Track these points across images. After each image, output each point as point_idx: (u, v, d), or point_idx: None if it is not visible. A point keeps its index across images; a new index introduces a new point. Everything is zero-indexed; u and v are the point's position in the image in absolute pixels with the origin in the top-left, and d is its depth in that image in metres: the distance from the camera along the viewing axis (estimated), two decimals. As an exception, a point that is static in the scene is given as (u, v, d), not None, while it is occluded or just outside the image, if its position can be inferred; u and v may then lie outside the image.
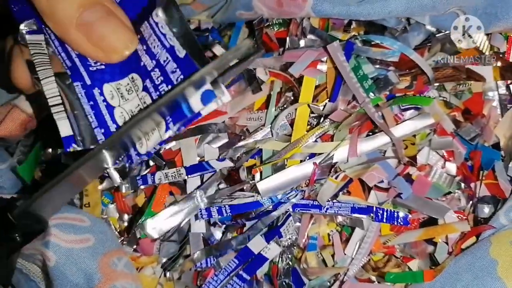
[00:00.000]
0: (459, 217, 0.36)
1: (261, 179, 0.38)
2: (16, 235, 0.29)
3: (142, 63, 0.30)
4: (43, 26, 0.31)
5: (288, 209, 0.38)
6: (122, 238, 0.40)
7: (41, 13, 0.29)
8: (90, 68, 0.30)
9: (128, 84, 0.30)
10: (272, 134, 0.39)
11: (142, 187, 0.38)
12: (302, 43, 0.40)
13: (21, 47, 0.32)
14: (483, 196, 0.37)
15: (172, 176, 0.37)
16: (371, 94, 0.37)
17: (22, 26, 0.31)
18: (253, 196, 0.37)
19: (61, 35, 0.29)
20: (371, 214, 0.36)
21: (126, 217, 0.41)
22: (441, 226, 0.36)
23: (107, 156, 0.28)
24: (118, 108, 0.30)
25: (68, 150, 0.28)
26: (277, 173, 0.37)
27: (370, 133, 0.38)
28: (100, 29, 0.28)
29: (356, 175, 0.37)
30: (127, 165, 0.29)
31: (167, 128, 0.28)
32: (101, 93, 0.30)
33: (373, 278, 0.37)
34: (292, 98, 0.40)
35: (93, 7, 0.28)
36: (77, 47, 0.29)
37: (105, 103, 0.30)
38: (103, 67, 0.30)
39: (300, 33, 0.40)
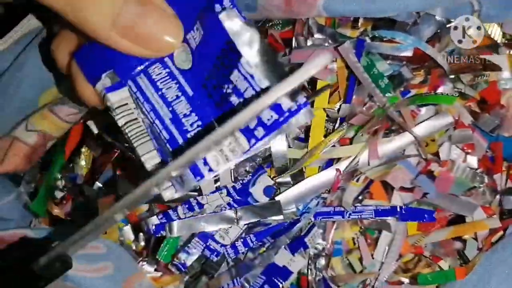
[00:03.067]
0: (486, 213, 0.36)
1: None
2: (40, 284, 0.28)
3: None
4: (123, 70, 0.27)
5: (311, 218, 0.37)
6: (141, 258, 0.39)
7: (73, 25, 0.26)
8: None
9: None
10: (287, 142, 0.37)
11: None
12: (309, 42, 0.39)
13: None
14: (508, 188, 0.37)
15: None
16: (388, 93, 0.36)
17: (99, 85, 0.27)
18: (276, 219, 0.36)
19: (104, 43, 0.26)
20: (396, 216, 0.36)
21: (142, 236, 0.39)
22: (471, 223, 0.35)
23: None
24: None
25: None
26: (298, 184, 0.36)
27: (387, 132, 0.37)
28: (141, 28, 0.26)
29: (377, 176, 0.37)
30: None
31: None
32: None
33: (404, 280, 0.36)
34: None
35: (125, 3, 0.25)
36: (124, 52, 0.27)
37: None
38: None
39: (307, 32, 0.39)
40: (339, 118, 0.37)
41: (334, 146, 0.37)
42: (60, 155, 0.42)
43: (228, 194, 0.37)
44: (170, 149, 0.26)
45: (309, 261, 0.37)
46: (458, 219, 0.36)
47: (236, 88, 0.25)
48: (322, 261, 0.37)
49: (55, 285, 0.32)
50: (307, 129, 0.38)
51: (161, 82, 0.27)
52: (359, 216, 0.36)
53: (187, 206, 0.37)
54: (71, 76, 0.29)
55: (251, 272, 0.37)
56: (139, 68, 0.27)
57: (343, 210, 0.36)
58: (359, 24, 0.39)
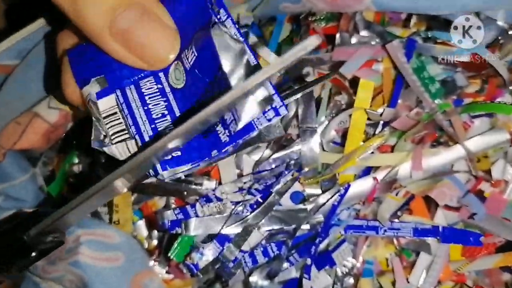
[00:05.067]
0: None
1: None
2: (32, 255, 0.27)
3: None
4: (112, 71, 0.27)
5: (340, 231, 0.34)
6: (152, 258, 0.36)
7: (72, 21, 0.26)
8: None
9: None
10: (322, 145, 0.35)
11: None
12: (354, 40, 0.36)
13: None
14: None
15: (216, 208, 0.34)
16: (438, 99, 0.33)
17: (87, 88, 0.27)
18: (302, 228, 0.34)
19: (98, 44, 0.26)
20: (438, 237, 0.33)
21: (156, 233, 0.37)
22: (524, 252, 0.31)
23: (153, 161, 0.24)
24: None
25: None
26: (329, 191, 0.34)
27: (434, 143, 0.34)
28: (137, 35, 0.25)
29: (420, 191, 0.34)
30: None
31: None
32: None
33: (441, 310, 0.33)
34: (342, 103, 0.36)
35: (126, 9, 0.25)
36: (117, 58, 0.26)
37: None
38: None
39: (352, 28, 0.36)
40: (381, 122, 0.35)
41: (373, 152, 0.34)
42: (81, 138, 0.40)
43: (250, 193, 0.35)
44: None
45: (335, 280, 0.34)
46: (508, 247, 0.33)
47: (222, 119, 0.24)
48: (349, 281, 0.35)
49: (63, 268, 0.32)
50: (344, 132, 0.35)
51: (149, 98, 0.27)
52: (396, 234, 0.33)
53: (204, 199, 0.35)
54: (60, 69, 0.28)
55: (268, 286, 0.34)
56: (131, 78, 0.27)
57: (378, 225, 0.34)
58: (412, 23, 0.36)
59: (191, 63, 0.25)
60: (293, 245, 0.34)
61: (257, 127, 0.24)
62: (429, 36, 0.35)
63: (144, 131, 0.26)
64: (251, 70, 0.24)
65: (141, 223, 0.37)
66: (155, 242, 0.37)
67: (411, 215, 0.34)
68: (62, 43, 0.30)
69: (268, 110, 0.24)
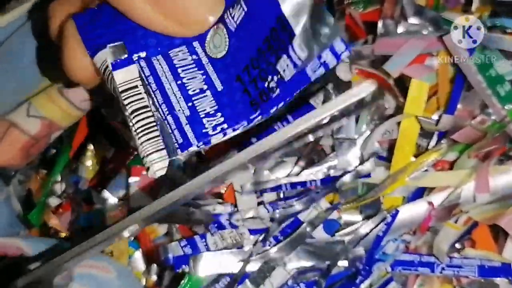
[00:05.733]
0: None
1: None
2: None
3: None
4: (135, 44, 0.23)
5: (386, 268, 0.29)
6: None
7: None
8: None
9: None
10: (361, 159, 0.29)
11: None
12: (401, 28, 0.31)
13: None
14: None
15: (232, 239, 0.28)
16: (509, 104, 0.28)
17: (101, 55, 0.23)
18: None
19: (119, 6, 0.23)
20: (510, 277, 0.28)
21: (155, 268, 0.31)
22: None
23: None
24: None
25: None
26: (372, 219, 0.29)
27: (502, 158, 0.29)
28: None
29: (485, 218, 0.29)
30: None
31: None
32: None
33: None
34: (387, 107, 0.30)
35: None
36: (144, 22, 0.23)
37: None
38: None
39: (399, 14, 0.31)
40: (436, 133, 0.29)
41: (426, 170, 0.30)
42: (65, 151, 0.35)
43: (272, 220, 0.29)
44: (181, 156, 0.24)
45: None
46: None
47: (282, 81, 0.20)
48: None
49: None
50: (390, 144, 0.30)
51: (183, 70, 0.23)
52: (456, 272, 0.29)
53: (215, 225, 0.29)
54: (62, 41, 0.24)
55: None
56: (158, 48, 0.24)
57: (433, 261, 0.29)
58: (473, 8, 0.31)
59: (238, 21, 0.22)
60: (327, 285, 0.29)
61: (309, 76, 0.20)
62: (496, 24, 0.30)
63: (179, 110, 0.22)
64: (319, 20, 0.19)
65: (138, 255, 0.31)
66: (154, 277, 0.31)
67: (474, 248, 0.29)
68: (58, 14, 0.26)
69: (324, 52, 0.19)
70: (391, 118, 0.29)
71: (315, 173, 0.30)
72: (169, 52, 0.24)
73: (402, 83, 0.30)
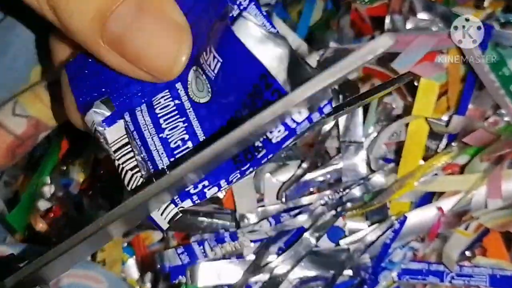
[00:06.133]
0: None
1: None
2: None
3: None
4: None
5: (393, 277, 0.28)
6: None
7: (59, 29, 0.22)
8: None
9: None
10: (368, 162, 0.28)
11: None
12: (409, 24, 0.30)
13: None
14: None
15: (231, 248, 0.27)
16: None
17: (90, 115, 0.22)
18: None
19: (91, 53, 0.22)
20: None
21: (149, 276, 0.30)
22: None
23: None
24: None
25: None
26: (378, 225, 0.27)
27: None
28: (134, 38, 0.20)
29: (497, 225, 0.28)
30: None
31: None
32: None
33: None
34: (394, 107, 0.29)
35: (118, 6, 0.20)
36: (118, 71, 0.22)
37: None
38: None
39: (407, 9, 0.30)
40: (446, 135, 0.28)
41: (436, 174, 0.28)
42: (54, 152, 0.33)
43: (276, 221, 0.28)
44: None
45: None
46: None
47: (269, 141, 0.18)
48: None
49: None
50: (398, 147, 0.29)
51: (165, 120, 0.22)
52: (467, 282, 0.28)
53: (215, 239, 0.28)
54: (61, 86, 0.24)
55: None
56: (142, 96, 0.22)
57: (443, 270, 0.28)
58: (486, 3, 0.30)
59: (215, 71, 0.20)
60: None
61: (295, 130, 0.18)
62: (510, 19, 0.29)
63: (162, 168, 0.21)
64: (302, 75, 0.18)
65: (132, 262, 0.30)
66: (148, 286, 0.30)
67: (485, 256, 0.28)
68: (56, 50, 0.25)
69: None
70: (399, 120, 0.28)
71: (318, 177, 0.28)
72: (152, 100, 0.22)
73: (411, 82, 0.28)
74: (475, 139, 0.27)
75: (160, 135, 0.21)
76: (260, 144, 0.19)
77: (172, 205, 0.20)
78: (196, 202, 0.19)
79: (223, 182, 0.19)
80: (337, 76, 0.15)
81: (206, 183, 0.19)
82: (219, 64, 0.19)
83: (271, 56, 0.18)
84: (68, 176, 0.32)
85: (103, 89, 0.22)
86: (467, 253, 0.28)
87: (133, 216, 0.20)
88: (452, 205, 0.28)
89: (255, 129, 0.16)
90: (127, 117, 0.22)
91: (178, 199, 0.19)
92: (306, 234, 0.27)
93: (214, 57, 0.20)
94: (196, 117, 0.21)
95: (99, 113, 0.22)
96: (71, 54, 0.24)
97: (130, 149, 0.22)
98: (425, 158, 0.29)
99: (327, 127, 0.28)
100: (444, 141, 0.28)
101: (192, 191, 0.19)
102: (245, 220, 0.28)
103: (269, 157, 0.18)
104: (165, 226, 0.20)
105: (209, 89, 0.21)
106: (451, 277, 0.28)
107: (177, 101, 0.22)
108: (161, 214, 0.20)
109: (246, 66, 0.19)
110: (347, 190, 0.28)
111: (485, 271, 0.28)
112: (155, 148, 0.21)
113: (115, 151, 0.21)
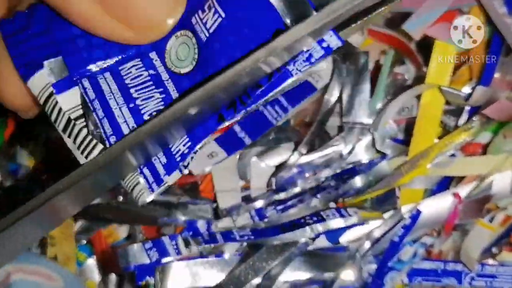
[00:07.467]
0: None
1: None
2: None
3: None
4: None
5: (402, 279, 0.25)
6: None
7: None
8: None
9: None
10: (374, 142, 0.25)
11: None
12: None
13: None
14: None
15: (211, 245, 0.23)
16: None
17: (36, 79, 0.20)
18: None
19: (59, 7, 0.20)
20: None
21: (113, 278, 0.27)
22: None
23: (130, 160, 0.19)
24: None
25: None
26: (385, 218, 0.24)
27: None
28: None
29: None
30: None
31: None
32: None
33: None
34: (406, 78, 0.26)
35: None
36: (86, 26, 0.20)
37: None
38: None
39: None
40: (467, 108, 0.25)
41: (453, 155, 0.26)
42: None
43: (260, 217, 0.25)
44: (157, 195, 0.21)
45: None
46: None
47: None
48: None
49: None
50: (409, 123, 0.26)
51: (136, 90, 0.21)
52: (489, 283, 0.25)
53: (191, 233, 0.25)
54: None
55: None
56: (105, 62, 0.21)
57: (461, 270, 0.25)
58: None
59: (211, 30, 0.19)
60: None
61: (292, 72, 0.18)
62: None
63: None
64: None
65: (91, 263, 0.27)
66: None
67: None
68: None
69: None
70: (409, 90, 0.25)
71: (315, 160, 0.25)
72: (120, 69, 0.21)
73: (426, 48, 0.26)
74: (499, 112, 0.24)
75: (130, 105, 0.20)
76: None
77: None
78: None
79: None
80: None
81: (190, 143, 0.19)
82: (219, 20, 0.19)
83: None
84: (15, 161, 0.29)
85: (53, 49, 0.21)
86: (493, 249, 0.25)
87: (86, 186, 0.19)
88: (471, 191, 0.24)
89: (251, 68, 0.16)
90: (86, 83, 0.20)
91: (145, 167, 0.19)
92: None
93: (216, 12, 0.19)
94: (175, 88, 0.20)
95: (48, 75, 0.20)
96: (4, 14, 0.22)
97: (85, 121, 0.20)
98: (440, 136, 0.26)
99: (328, 102, 0.24)
100: (464, 116, 0.25)
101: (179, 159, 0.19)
102: (226, 212, 0.24)
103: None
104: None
105: (195, 56, 0.20)
106: (470, 278, 0.26)
107: (151, 71, 0.21)
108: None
109: (258, 19, 0.18)
110: (348, 179, 0.24)
111: (511, 270, 0.25)
112: (123, 120, 0.20)
113: (72, 120, 0.20)
